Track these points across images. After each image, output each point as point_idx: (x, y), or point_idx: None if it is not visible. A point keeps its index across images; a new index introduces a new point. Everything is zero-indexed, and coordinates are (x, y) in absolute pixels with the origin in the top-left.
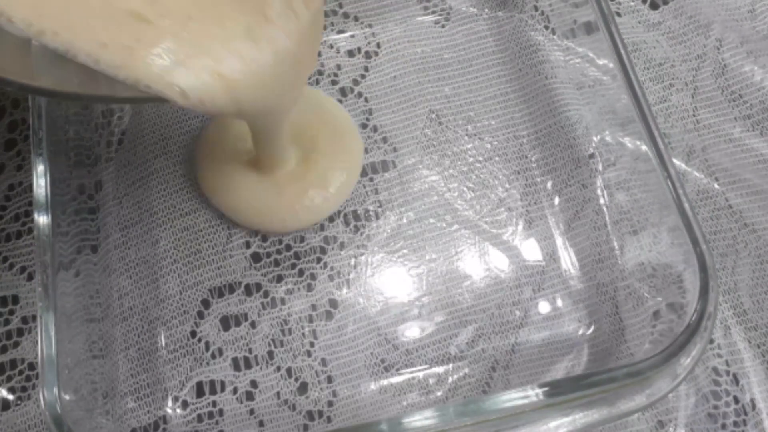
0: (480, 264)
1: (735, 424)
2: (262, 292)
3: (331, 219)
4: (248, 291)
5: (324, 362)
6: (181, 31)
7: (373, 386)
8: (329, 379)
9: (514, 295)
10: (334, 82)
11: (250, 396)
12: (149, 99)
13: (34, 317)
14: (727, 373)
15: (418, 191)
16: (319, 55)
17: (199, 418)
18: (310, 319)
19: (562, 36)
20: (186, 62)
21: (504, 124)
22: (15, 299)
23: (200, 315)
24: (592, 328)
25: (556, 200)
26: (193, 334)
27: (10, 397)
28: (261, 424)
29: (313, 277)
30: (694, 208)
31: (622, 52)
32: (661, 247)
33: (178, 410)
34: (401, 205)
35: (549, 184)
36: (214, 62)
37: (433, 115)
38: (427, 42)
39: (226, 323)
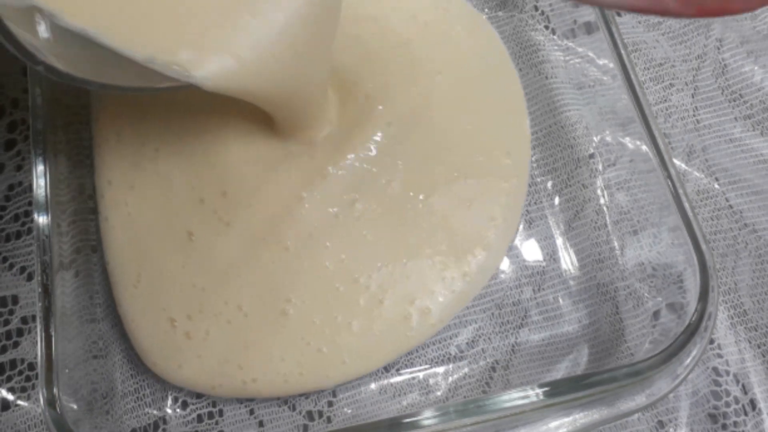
0: None
1: (735, 424)
2: None
3: None
4: None
5: None
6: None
7: (373, 386)
8: None
9: (514, 295)
10: None
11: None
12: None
13: (34, 317)
14: (727, 373)
15: None
16: None
17: (199, 418)
18: None
19: (562, 36)
20: (203, 45)
21: None
22: (15, 299)
23: None
24: (592, 329)
25: (556, 200)
26: None
27: (10, 397)
28: (261, 424)
29: None
30: (694, 208)
31: (622, 52)
32: (661, 247)
33: (178, 410)
34: None
35: (549, 184)
36: (228, 42)
37: None
38: None
39: None
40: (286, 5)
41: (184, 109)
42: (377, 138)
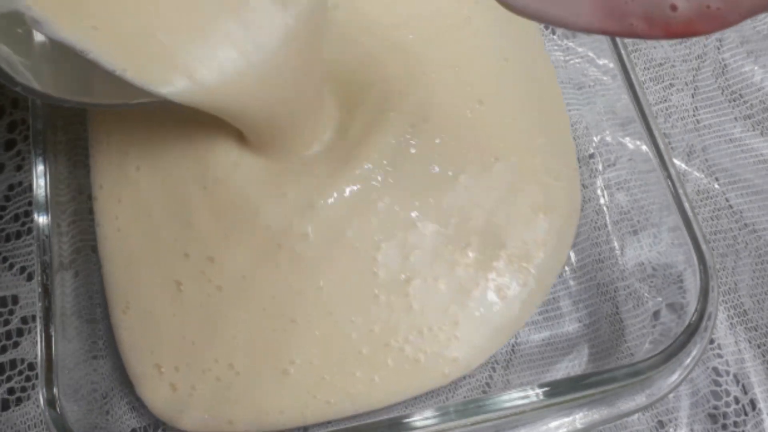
0: None
1: (735, 424)
2: None
3: None
4: None
5: None
6: (175, 27)
7: None
8: None
9: None
10: None
11: None
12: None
13: (34, 317)
14: (727, 373)
15: None
16: None
17: None
18: None
19: (562, 36)
20: (180, 59)
21: None
22: (15, 299)
23: None
24: (592, 329)
25: None
26: None
27: (10, 397)
28: None
29: None
30: (694, 208)
31: (622, 52)
32: (661, 247)
33: None
34: None
35: None
36: (212, 59)
37: None
38: None
39: None
40: (261, 33)
41: (160, 125)
42: (403, 162)
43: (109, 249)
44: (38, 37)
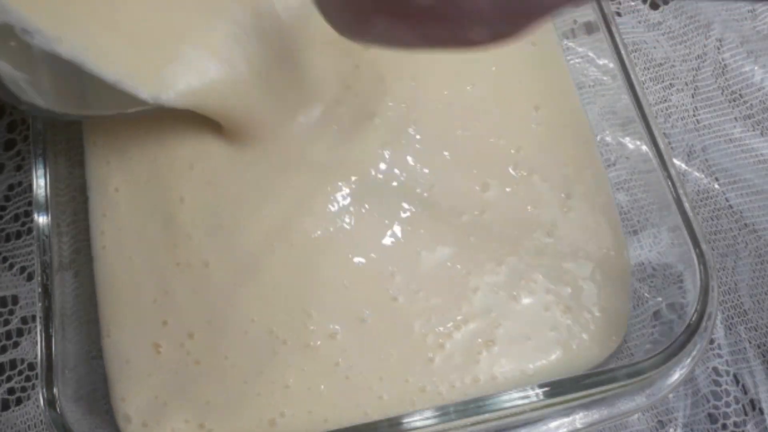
0: None
1: (735, 424)
2: None
3: None
4: None
5: None
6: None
7: None
8: None
9: None
10: None
11: None
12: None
13: (34, 317)
14: (727, 373)
15: None
16: None
17: None
18: None
19: (562, 36)
20: (168, 63)
21: None
22: (15, 299)
23: None
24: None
25: None
26: None
27: (10, 397)
28: None
29: None
30: (695, 208)
31: (622, 52)
32: (661, 247)
33: None
34: None
35: None
36: (198, 62)
37: None
38: None
39: None
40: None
41: (144, 136)
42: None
43: (98, 261)
44: (34, 50)
